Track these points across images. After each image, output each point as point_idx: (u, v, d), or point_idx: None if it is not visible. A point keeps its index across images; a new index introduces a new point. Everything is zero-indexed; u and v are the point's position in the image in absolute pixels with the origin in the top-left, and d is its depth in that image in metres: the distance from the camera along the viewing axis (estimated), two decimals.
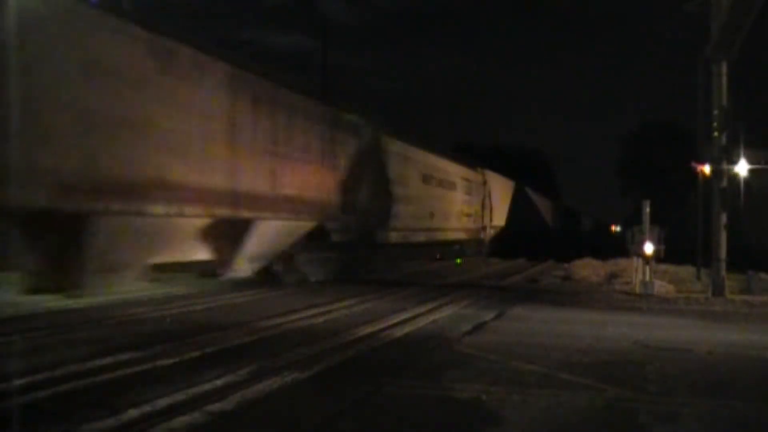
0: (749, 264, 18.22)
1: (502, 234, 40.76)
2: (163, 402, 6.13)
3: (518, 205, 45.28)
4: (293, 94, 17.43)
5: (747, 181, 16.77)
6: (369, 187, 21.55)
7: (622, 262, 21.56)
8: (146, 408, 5.93)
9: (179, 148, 13.13)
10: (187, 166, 13.39)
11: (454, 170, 32.22)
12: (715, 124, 16.74)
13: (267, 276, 17.40)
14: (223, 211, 14.61)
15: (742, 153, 16.62)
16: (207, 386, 6.70)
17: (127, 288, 13.10)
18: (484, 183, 36.91)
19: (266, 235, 16.37)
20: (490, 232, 38.29)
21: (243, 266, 16.40)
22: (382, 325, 10.79)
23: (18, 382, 6.60)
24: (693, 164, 18.03)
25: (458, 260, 30.27)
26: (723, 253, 16.38)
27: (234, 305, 12.99)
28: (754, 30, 15.97)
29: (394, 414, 6.06)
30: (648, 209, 16.71)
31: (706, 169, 16.91)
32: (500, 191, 41.19)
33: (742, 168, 16.73)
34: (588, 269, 22.10)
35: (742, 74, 18.82)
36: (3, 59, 9.72)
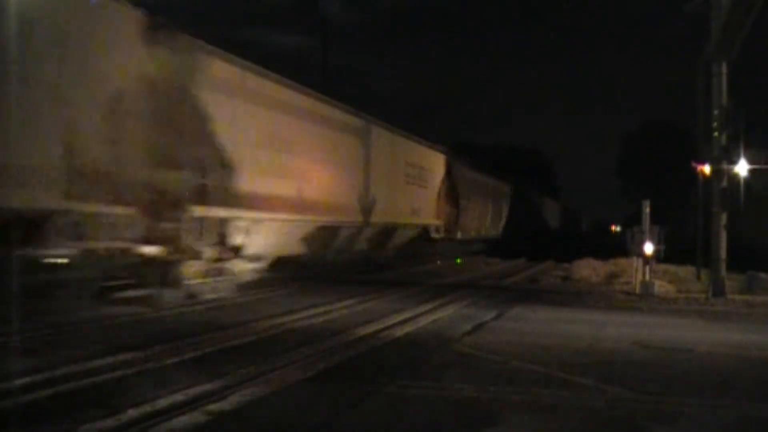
0: (749, 264, 18.21)
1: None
2: (163, 402, 6.13)
3: (518, 206, 45.24)
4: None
5: (747, 181, 16.75)
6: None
7: (622, 262, 21.54)
8: (146, 408, 5.93)
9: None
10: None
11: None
12: (715, 124, 16.74)
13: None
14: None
15: (742, 153, 16.60)
16: (207, 386, 6.70)
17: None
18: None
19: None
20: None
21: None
22: (382, 325, 10.79)
23: (18, 381, 6.60)
24: (693, 164, 18.04)
25: (458, 260, 30.26)
26: (723, 253, 16.38)
27: (234, 305, 12.98)
28: (754, 30, 15.99)
29: (393, 414, 6.07)
30: (648, 209, 16.71)
31: (706, 169, 16.92)
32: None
33: (742, 168, 16.72)
34: (588, 269, 22.10)
35: (742, 74, 18.83)
36: None
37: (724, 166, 16.56)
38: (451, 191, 29.35)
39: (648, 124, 70.05)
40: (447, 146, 30.76)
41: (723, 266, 16.34)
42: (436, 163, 27.90)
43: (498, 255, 33.45)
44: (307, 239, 17.54)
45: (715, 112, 16.67)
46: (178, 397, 6.32)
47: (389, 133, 22.76)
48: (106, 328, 10.04)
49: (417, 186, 25.21)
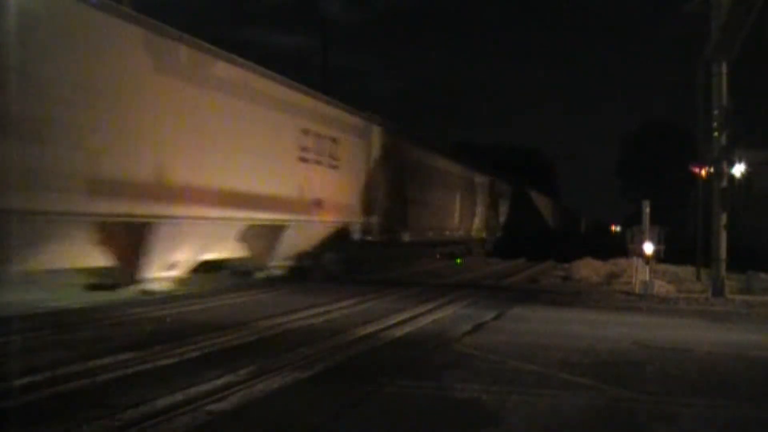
0: (749, 264, 18.23)
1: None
2: (163, 402, 6.14)
3: (518, 206, 45.25)
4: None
5: (748, 181, 16.77)
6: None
7: (622, 262, 21.56)
8: (146, 408, 5.94)
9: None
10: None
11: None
12: (715, 124, 16.75)
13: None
14: None
15: (737, 159, 16.60)
16: (207, 386, 6.70)
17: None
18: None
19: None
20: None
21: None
22: (382, 325, 10.80)
23: (18, 381, 6.61)
24: (691, 167, 18.07)
25: (458, 260, 30.26)
26: (723, 253, 16.38)
27: (234, 305, 13.00)
28: (754, 30, 15.98)
29: (394, 414, 6.07)
30: (648, 209, 16.71)
31: (704, 172, 16.95)
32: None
33: (742, 168, 16.74)
34: (588, 269, 22.10)
35: (743, 74, 18.84)
36: None
37: (725, 166, 16.57)
38: (394, 178, 22.13)
39: (648, 124, 70.33)
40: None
41: (723, 266, 16.33)
42: (362, 137, 20.13)
43: (498, 255, 33.47)
44: (104, 244, 11.33)
45: (715, 112, 16.67)
46: (179, 396, 6.32)
47: (260, 78, 14.89)
48: (106, 328, 10.05)
49: (324, 167, 17.46)
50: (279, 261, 16.37)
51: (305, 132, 16.62)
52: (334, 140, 18.10)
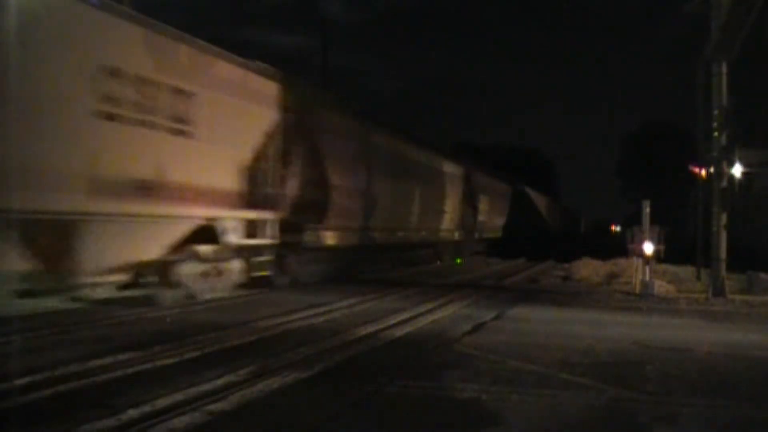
0: (749, 264, 18.22)
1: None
2: (163, 402, 6.13)
3: (518, 206, 45.26)
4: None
5: (747, 181, 16.77)
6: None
7: (622, 262, 21.56)
8: (146, 408, 5.93)
9: None
10: None
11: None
12: (715, 124, 16.75)
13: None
14: None
15: (736, 160, 16.60)
16: (207, 386, 6.70)
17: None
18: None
19: None
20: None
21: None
22: (382, 325, 10.80)
23: (18, 382, 6.60)
24: (691, 167, 18.09)
25: (458, 260, 30.27)
26: (723, 253, 16.38)
27: (233, 305, 13.00)
28: (754, 30, 15.98)
29: (394, 414, 6.07)
30: (648, 209, 16.71)
31: (703, 172, 16.95)
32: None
33: (742, 168, 16.74)
34: (588, 269, 22.12)
35: (743, 74, 18.86)
36: None
37: (725, 166, 16.57)
38: (308, 159, 16.34)
39: (648, 124, 70.50)
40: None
41: (723, 266, 16.34)
42: (247, 97, 14.09)
43: (498, 255, 33.48)
44: None
45: (715, 112, 16.68)
46: (178, 396, 6.32)
47: None
48: (106, 328, 10.05)
49: (158, 132, 11.70)
50: (94, 276, 11.13)
51: (113, 73, 10.78)
52: (181, 93, 12.27)
